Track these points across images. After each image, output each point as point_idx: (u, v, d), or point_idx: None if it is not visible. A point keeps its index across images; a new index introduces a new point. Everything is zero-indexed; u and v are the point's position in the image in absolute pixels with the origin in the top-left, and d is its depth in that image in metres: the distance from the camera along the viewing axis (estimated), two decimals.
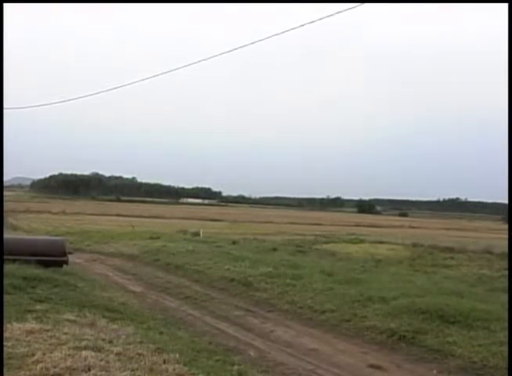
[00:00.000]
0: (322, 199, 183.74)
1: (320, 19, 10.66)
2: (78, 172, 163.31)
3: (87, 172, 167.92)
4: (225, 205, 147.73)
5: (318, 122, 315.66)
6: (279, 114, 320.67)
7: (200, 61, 16.25)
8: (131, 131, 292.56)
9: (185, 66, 17.05)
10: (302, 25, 11.49)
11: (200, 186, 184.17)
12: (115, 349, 5.89)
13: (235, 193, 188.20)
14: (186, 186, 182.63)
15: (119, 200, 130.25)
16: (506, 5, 6.33)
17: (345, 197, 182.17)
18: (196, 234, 29.45)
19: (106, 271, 16.42)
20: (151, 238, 25.78)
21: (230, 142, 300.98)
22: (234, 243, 24.91)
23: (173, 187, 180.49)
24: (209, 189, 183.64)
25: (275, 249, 22.91)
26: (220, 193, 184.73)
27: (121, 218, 50.69)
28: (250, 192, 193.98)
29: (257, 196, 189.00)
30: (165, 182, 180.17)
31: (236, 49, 14.28)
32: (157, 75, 18.20)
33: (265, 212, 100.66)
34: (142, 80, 18.92)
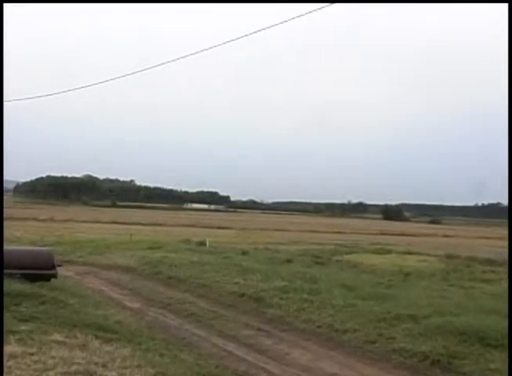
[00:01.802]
0: (343, 204, 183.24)
1: (309, 11, 10.89)
2: (69, 174, 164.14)
3: (78, 174, 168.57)
4: (234, 211, 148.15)
5: (336, 118, 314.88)
6: (290, 111, 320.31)
7: (195, 53, 16.62)
8: (128, 129, 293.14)
9: (179, 58, 17.49)
10: (285, 21, 11.82)
11: (205, 189, 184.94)
12: (109, 374, 5.86)
13: (244, 198, 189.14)
14: (190, 190, 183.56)
15: (115, 206, 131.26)
16: (506, 5, 6.81)
17: (369, 201, 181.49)
18: (202, 244, 29.55)
19: (101, 285, 16.48)
20: (151, 248, 25.93)
21: (238, 142, 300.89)
22: (244, 253, 24.95)
23: (175, 191, 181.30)
24: (216, 194, 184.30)
25: (289, 260, 22.98)
26: (228, 197, 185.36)
27: (118, 226, 51.00)
28: (261, 196, 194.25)
29: (270, 201, 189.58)
30: (167, 186, 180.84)
31: (231, 41, 14.64)
32: (154, 66, 18.54)
33: (278, 219, 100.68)
34: (139, 71, 19.23)
